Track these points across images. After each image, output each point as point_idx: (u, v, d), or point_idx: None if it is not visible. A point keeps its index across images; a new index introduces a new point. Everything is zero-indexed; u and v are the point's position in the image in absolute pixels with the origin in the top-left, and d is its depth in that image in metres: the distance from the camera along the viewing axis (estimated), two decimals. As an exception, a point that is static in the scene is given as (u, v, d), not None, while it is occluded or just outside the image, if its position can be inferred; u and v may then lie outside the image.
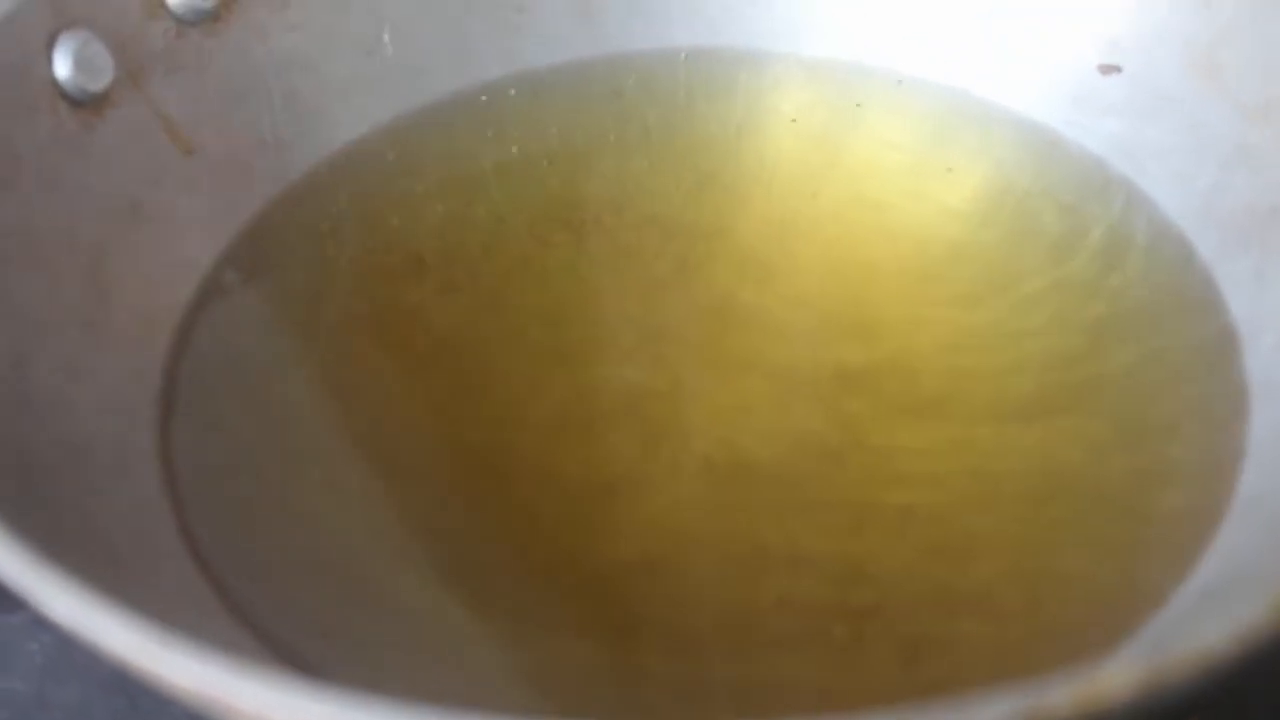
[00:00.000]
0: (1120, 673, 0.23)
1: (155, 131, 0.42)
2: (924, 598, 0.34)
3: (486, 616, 0.34)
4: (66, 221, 0.39)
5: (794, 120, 0.47)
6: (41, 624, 0.35)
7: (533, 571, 0.35)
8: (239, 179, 0.43)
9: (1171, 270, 0.40)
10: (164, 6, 0.42)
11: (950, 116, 0.46)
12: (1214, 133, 0.41)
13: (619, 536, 0.36)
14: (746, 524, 0.36)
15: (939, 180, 0.45)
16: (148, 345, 0.39)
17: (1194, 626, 0.30)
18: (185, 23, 0.43)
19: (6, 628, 0.39)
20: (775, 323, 0.41)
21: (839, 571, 0.35)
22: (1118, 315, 0.40)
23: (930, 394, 0.39)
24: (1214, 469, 0.35)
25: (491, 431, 0.39)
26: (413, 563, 0.36)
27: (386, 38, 0.47)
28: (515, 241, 0.44)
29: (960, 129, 0.46)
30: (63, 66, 0.39)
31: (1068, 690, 0.22)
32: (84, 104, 0.40)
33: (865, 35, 0.48)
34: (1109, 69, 0.44)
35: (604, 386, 0.40)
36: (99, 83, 0.40)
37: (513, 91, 0.48)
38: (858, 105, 0.47)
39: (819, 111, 0.48)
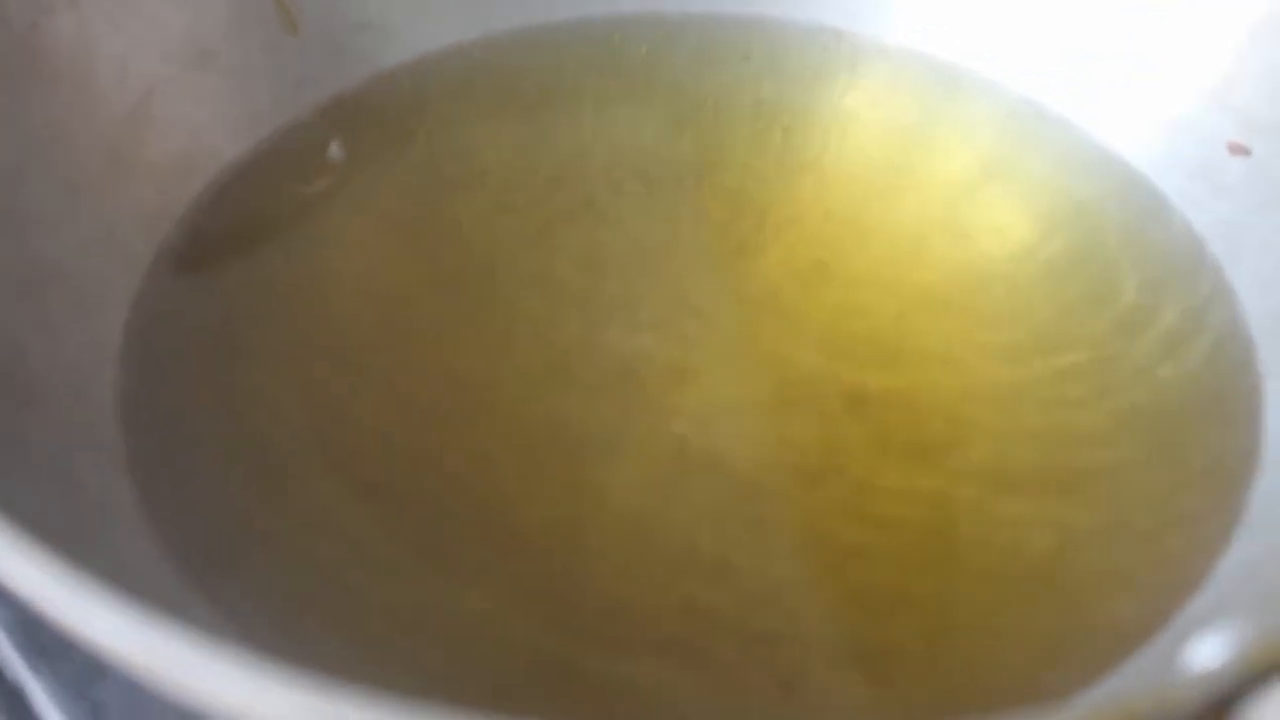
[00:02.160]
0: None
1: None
2: (825, 640, 0.33)
3: (401, 547, 0.35)
4: (126, 49, 0.40)
5: (891, 118, 0.46)
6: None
7: (464, 511, 0.35)
8: (328, 56, 0.43)
9: (1226, 377, 0.38)
10: None
11: (1061, 155, 0.44)
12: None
13: (559, 494, 0.36)
14: (688, 518, 0.35)
15: (1027, 218, 0.43)
16: (172, 191, 0.40)
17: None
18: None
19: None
20: (808, 327, 0.40)
21: (754, 591, 0.34)
22: (1154, 408, 0.38)
23: (931, 440, 0.37)
24: (1171, 588, 0.34)
25: (483, 364, 0.38)
26: (359, 490, 0.36)
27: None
28: (586, 180, 0.43)
29: (1069, 171, 0.43)
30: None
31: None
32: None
33: (988, 44, 0.46)
34: (1239, 149, 0.41)
35: (613, 344, 0.39)
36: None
37: (634, 30, 0.47)
38: (959, 117, 0.45)
39: (913, 113, 0.46)
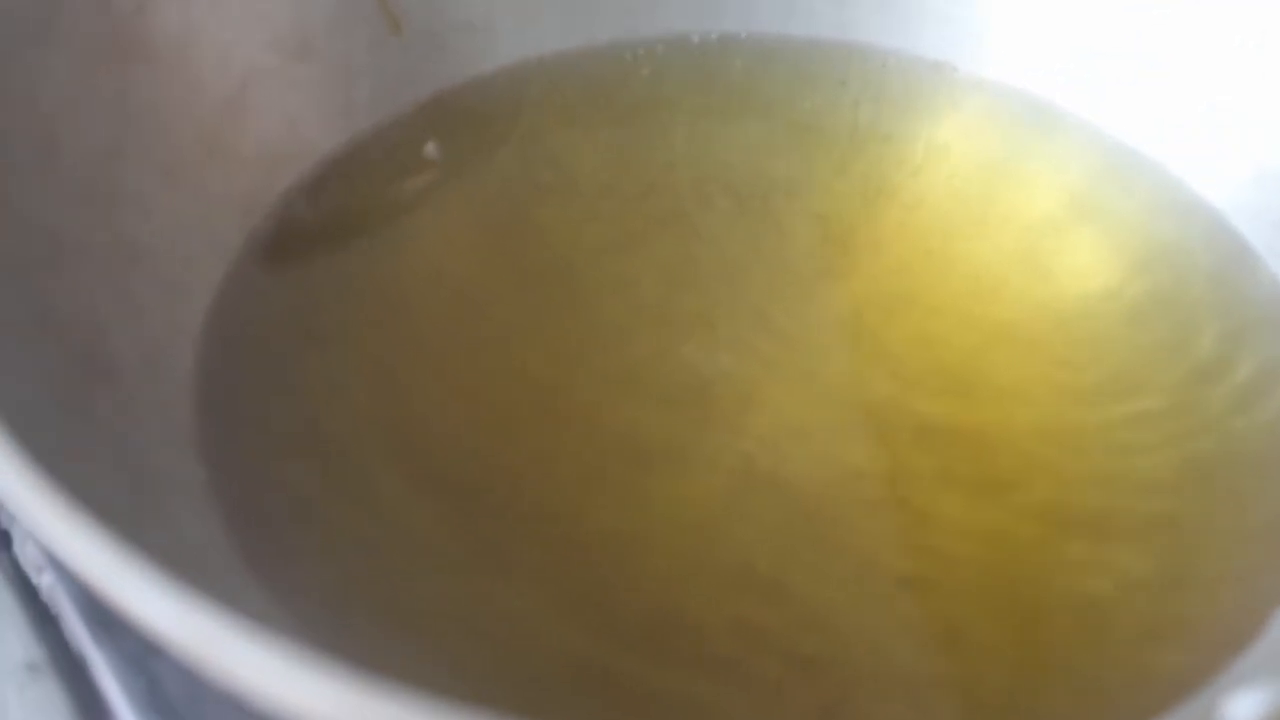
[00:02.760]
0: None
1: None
2: (868, 668, 0.33)
3: (458, 543, 0.35)
4: (228, 36, 0.40)
5: (983, 152, 0.46)
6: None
7: (524, 512, 0.36)
8: (429, 55, 0.44)
9: (1297, 432, 0.38)
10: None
11: (1151, 199, 0.43)
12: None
13: (620, 502, 0.36)
14: (747, 537, 0.35)
15: (1112, 259, 0.42)
16: (265, 180, 0.40)
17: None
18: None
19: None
20: (887, 356, 0.40)
21: (806, 615, 0.34)
22: (1222, 459, 0.37)
23: (997, 477, 0.37)
24: (1222, 642, 0.33)
25: (556, 368, 0.39)
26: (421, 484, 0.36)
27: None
28: (676, 193, 0.43)
29: (1157, 215, 0.43)
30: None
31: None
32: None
33: (1085, 84, 0.46)
34: (1329, 205, 0.41)
35: (688, 358, 0.39)
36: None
37: (732, 48, 0.47)
38: (1051, 154, 0.45)
39: (1005, 148, 0.45)
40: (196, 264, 0.38)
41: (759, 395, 0.38)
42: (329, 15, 0.43)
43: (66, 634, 0.36)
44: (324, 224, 0.41)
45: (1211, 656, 0.33)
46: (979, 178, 0.45)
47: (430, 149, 0.43)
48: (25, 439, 0.27)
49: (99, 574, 0.25)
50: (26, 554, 0.37)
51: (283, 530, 0.34)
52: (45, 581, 0.36)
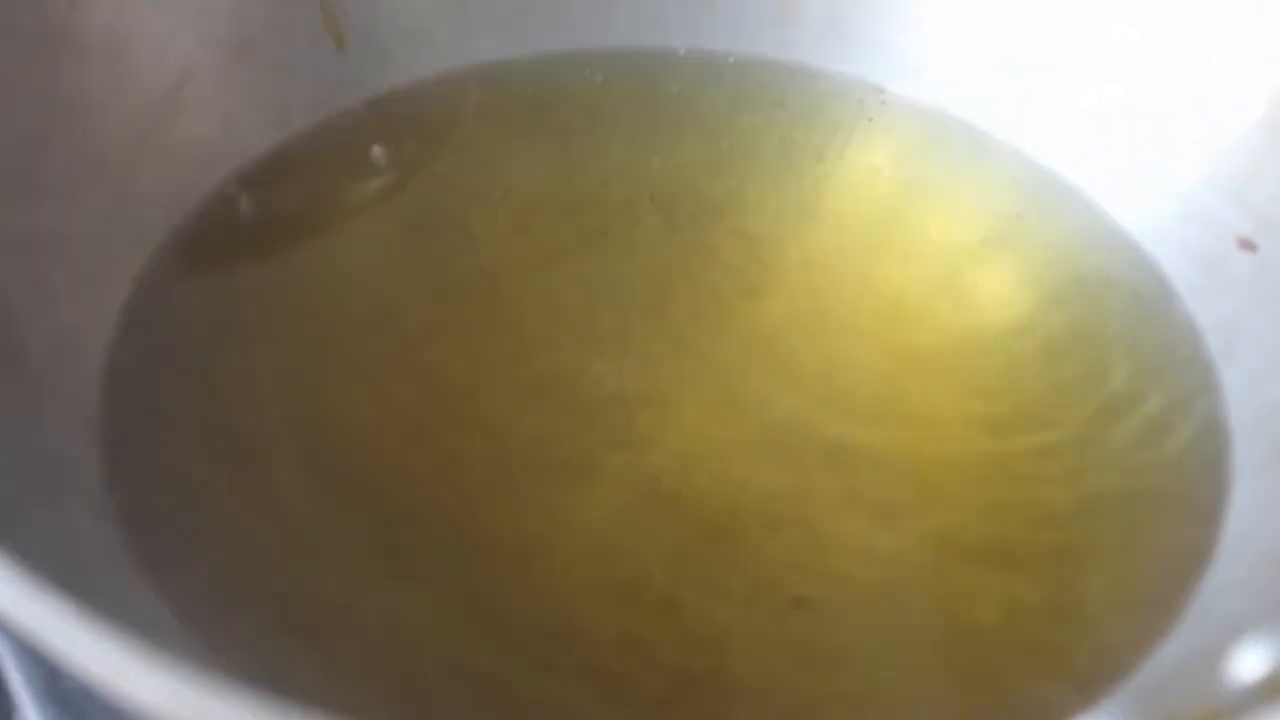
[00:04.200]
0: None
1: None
2: (752, 688, 0.33)
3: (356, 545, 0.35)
4: (166, 32, 0.41)
5: (913, 176, 0.46)
6: None
7: (427, 516, 0.36)
8: (369, 60, 0.44)
9: (1199, 470, 0.38)
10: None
11: (1075, 230, 0.44)
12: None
13: (523, 512, 0.36)
14: (645, 552, 0.36)
15: (1032, 290, 0.43)
16: (194, 177, 0.41)
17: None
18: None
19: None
20: (800, 378, 0.40)
21: (696, 633, 0.34)
22: (1122, 493, 0.38)
23: (899, 502, 0.37)
24: (1105, 675, 0.33)
25: (471, 376, 0.39)
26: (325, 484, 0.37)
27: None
28: (605, 209, 0.44)
29: (1081, 247, 0.43)
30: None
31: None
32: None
33: (1017, 112, 0.46)
34: (1247, 245, 0.41)
35: (606, 375, 0.40)
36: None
37: (673, 65, 0.48)
38: (980, 181, 0.46)
39: (936, 173, 0.46)
40: (117, 257, 0.38)
41: (672, 413, 0.39)
42: (269, 15, 0.43)
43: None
44: (251, 223, 0.41)
45: (1094, 690, 0.33)
46: (907, 202, 0.45)
47: (362, 153, 0.44)
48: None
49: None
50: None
51: (175, 522, 0.34)
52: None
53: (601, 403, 0.39)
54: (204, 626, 0.31)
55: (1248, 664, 0.30)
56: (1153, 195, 0.43)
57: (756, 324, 0.41)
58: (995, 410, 0.40)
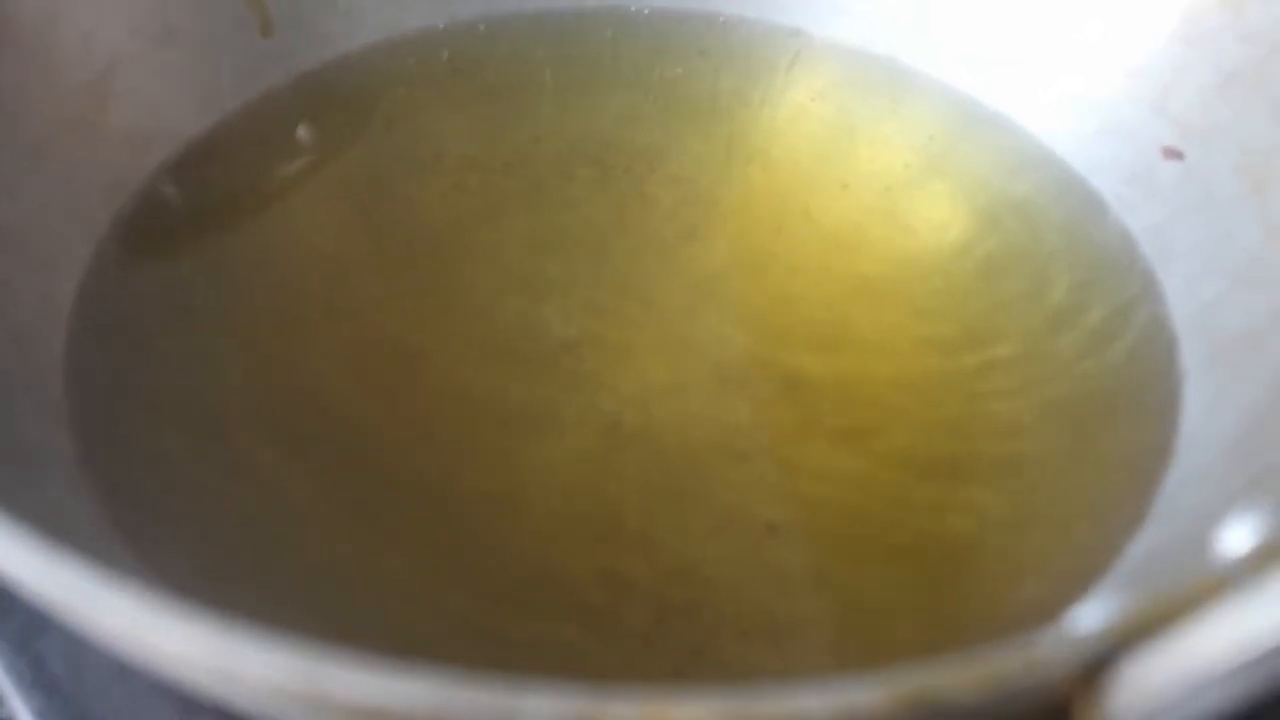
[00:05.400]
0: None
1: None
2: (734, 612, 0.34)
3: (331, 505, 0.36)
4: (90, 22, 0.41)
5: (839, 113, 0.47)
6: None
7: (398, 475, 0.36)
8: (294, 36, 0.45)
9: (1147, 374, 0.39)
10: None
11: (1003, 155, 0.45)
12: (1236, 245, 0.39)
13: (491, 464, 0.37)
14: (615, 492, 0.36)
15: (966, 214, 0.43)
16: (132, 162, 0.41)
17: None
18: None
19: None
20: (751, 313, 0.41)
21: (672, 565, 0.35)
22: (1074, 401, 0.38)
23: (858, 425, 0.38)
24: (1078, 574, 0.34)
25: (424, 336, 0.39)
26: (294, 449, 0.37)
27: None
28: (538, 165, 0.44)
29: (1010, 170, 0.44)
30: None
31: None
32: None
33: (937, 46, 0.47)
34: (1172, 153, 0.42)
35: (556, 323, 0.40)
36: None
37: (595, 21, 0.48)
38: (905, 114, 0.46)
39: (861, 109, 0.47)
40: (65, 244, 0.38)
41: (625, 357, 0.39)
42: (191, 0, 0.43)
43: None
44: (192, 203, 0.41)
45: (1069, 590, 0.34)
46: (836, 138, 0.46)
47: (295, 128, 0.44)
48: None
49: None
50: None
51: (157, 501, 0.35)
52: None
53: (554, 351, 0.39)
54: (196, 598, 0.31)
55: (1233, 540, 0.31)
56: (1075, 114, 0.44)
57: (700, 266, 0.42)
58: (942, 330, 0.40)
